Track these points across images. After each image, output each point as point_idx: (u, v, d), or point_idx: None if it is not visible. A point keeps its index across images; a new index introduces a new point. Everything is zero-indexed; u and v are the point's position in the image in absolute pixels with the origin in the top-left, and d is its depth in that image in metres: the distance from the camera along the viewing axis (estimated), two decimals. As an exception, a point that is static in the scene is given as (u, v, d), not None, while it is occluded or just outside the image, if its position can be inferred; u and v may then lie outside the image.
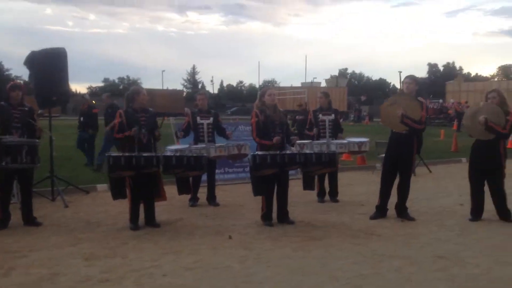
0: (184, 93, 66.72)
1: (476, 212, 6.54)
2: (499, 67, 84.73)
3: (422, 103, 6.56)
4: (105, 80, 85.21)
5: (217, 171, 8.30)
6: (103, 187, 8.64)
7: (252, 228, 6.11)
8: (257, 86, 65.07)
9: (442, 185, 9.66)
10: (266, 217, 6.26)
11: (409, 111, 6.34)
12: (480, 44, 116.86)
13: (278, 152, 5.94)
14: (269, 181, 6.14)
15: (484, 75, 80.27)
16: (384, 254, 5.03)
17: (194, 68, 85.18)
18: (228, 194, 8.55)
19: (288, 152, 6.06)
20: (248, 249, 5.22)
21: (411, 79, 6.63)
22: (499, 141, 6.36)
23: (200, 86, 78.62)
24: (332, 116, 8.01)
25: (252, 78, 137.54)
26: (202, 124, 7.52)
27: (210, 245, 5.35)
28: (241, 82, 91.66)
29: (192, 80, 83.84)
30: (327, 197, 7.99)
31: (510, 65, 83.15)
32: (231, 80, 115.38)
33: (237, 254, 5.04)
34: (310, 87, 44.61)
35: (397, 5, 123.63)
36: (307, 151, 6.12)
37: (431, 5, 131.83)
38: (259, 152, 6.00)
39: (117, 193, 5.86)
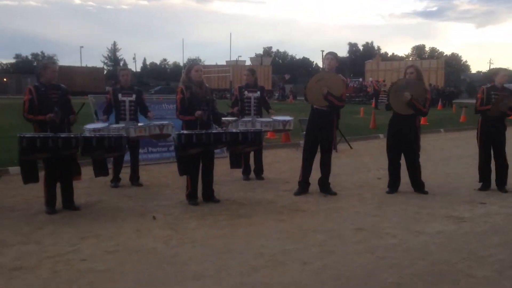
0: (105, 71, 64.25)
1: (393, 185, 6.85)
2: (413, 47, 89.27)
3: (343, 80, 6.73)
4: (17, 56, 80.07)
5: (140, 150, 8.04)
6: (15, 169, 8.09)
7: (177, 208, 6.01)
8: (181, 64, 63.93)
9: (362, 161, 10.04)
10: (191, 196, 6.17)
11: (333, 88, 6.48)
12: (396, 25, 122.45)
13: (203, 131, 5.83)
14: (194, 160, 6.04)
15: (400, 55, 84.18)
16: (308, 228, 5.14)
17: (114, 44, 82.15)
18: (152, 174, 8.35)
19: (214, 131, 5.95)
20: (172, 229, 5.12)
21: (332, 55, 6.77)
22: (416, 117, 6.68)
23: (121, 64, 75.87)
24: (258, 94, 8.00)
25: (176, 56, 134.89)
26: (124, 101, 7.21)
27: (133, 227, 5.18)
28: (164, 60, 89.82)
29: (113, 58, 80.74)
30: (252, 175, 8.02)
31: (423, 45, 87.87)
32: (155, 58, 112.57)
33: (161, 235, 4.92)
34: (235, 66, 44.62)
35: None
36: (233, 130, 6.06)
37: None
38: (184, 131, 5.87)
39: (28, 177, 5.43)
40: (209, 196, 6.29)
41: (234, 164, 6.47)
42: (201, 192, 6.29)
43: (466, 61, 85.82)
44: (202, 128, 5.98)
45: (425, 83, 7.54)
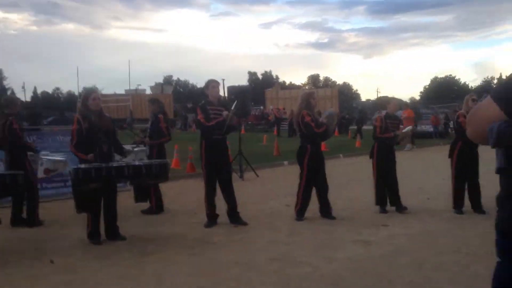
0: (-9, 101, 59.53)
1: (301, 212, 6.91)
2: (308, 77, 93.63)
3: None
4: None
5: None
6: None
7: (78, 249, 5.53)
8: (76, 93, 61.14)
9: (269, 188, 10.09)
10: (93, 235, 5.72)
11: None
12: (291, 55, 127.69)
13: (103, 165, 5.45)
14: (94, 195, 5.63)
15: (297, 84, 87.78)
16: (222, 262, 4.96)
17: (1, 72, 76.63)
18: (49, 211, 7.66)
19: (115, 164, 5.59)
20: (73, 273, 4.67)
21: (216, 82, 6.81)
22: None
23: (9, 93, 70.81)
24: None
25: (70, 85, 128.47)
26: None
27: (28, 273, 4.65)
28: (57, 88, 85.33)
29: None
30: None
31: (317, 74, 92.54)
32: (46, 86, 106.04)
33: (60, 281, 4.46)
34: (135, 95, 43.43)
35: (217, 15, 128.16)
36: (136, 163, 5.75)
37: (248, 17, 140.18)
38: (82, 166, 5.44)
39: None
40: (114, 234, 5.88)
41: (139, 198, 6.15)
42: (104, 229, 5.86)
43: (356, 90, 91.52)
44: (102, 161, 5.60)
45: (320, 110, 7.91)
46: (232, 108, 6.65)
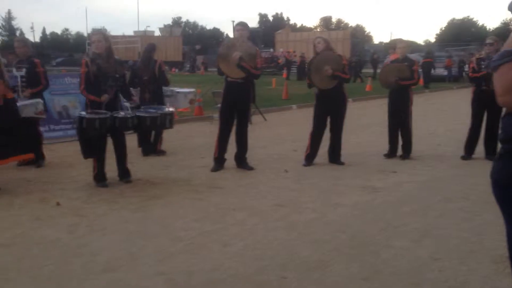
0: (-1, 41, 59.05)
1: (310, 157, 6.83)
2: (320, 18, 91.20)
3: (257, 49, 6.49)
4: None
5: (41, 128, 7.40)
6: None
7: (84, 191, 5.53)
8: (85, 34, 60.27)
9: (276, 133, 10.00)
10: (98, 178, 5.71)
11: (247, 57, 6.23)
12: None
13: (108, 114, 5.34)
14: (99, 140, 5.57)
15: (308, 26, 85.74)
16: (227, 207, 4.94)
17: (9, 13, 75.55)
18: (56, 154, 7.68)
19: (119, 115, 5.47)
20: (79, 215, 4.68)
21: (242, 25, 6.52)
22: (343, 84, 6.69)
23: (18, 33, 70.11)
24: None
25: (79, 26, 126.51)
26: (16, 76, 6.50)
27: (33, 215, 4.68)
28: (66, 29, 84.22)
29: (8, 27, 74.36)
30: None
31: (330, 16, 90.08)
32: (55, 27, 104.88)
33: (66, 223, 4.47)
34: (144, 36, 42.72)
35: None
36: (141, 114, 5.64)
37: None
38: (86, 115, 5.34)
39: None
40: (123, 175, 5.87)
41: (143, 142, 6.10)
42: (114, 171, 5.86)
43: (369, 32, 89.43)
44: (107, 109, 5.49)
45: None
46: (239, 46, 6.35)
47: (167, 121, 5.79)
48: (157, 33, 52.54)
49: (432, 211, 4.71)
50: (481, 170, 6.37)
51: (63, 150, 7.95)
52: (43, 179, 6.09)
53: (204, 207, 4.94)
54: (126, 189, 5.63)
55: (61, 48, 69.01)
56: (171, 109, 6.16)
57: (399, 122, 7.14)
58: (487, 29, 75.99)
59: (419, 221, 4.49)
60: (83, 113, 5.47)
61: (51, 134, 8.74)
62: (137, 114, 5.60)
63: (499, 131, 1.99)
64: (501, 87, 1.76)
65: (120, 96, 5.88)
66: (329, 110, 6.71)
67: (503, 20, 77.29)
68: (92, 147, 5.50)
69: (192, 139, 9.19)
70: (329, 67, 6.44)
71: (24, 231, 4.25)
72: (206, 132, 9.81)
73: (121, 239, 4.07)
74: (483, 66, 6.82)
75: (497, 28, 74.34)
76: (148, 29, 56.87)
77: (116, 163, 5.88)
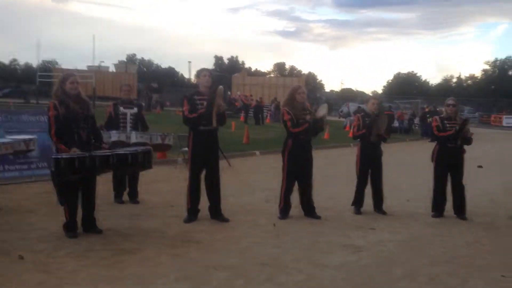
0: None
1: (285, 210, 6.66)
2: (274, 64, 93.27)
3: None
4: None
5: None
6: None
7: (48, 242, 5.08)
8: (34, 65, 58.51)
9: (244, 180, 9.80)
10: (70, 228, 5.28)
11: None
12: (258, 42, 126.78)
13: (86, 154, 4.99)
14: (73, 185, 5.20)
15: (263, 71, 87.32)
16: (208, 264, 4.64)
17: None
18: (11, 196, 7.13)
19: (98, 153, 5.13)
20: (46, 272, 4.25)
21: (208, 71, 6.51)
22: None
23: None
24: (135, 110, 7.37)
25: (28, 57, 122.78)
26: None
27: (-5, 271, 4.20)
28: (14, 60, 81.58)
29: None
30: (126, 197, 7.28)
31: (283, 63, 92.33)
32: (2, 57, 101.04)
33: (31, 281, 4.03)
34: (98, 71, 42.02)
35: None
36: (121, 151, 5.31)
37: (216, 0, 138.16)
38: (64, 155, 4.97)
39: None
40: (91, 226, 5.46)
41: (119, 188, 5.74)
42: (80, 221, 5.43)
43: (321, 80, 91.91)
44: (82, 149, 5.14)
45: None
46: (218, 92, 6.23)
47: (146, 160, 5.48)
48: (112, 68, 51.84)
49: (421, 276, 4.58)
50: (456, 230, 6.43)
51: (19, 193, 7.43)
52: (1, 227, 5.56)
53: (184, 265, 4.62)
54: (95, 241, 5.21)
55: (8, 78, 66.58)
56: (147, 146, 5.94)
57: (372, 174, 7.17)
58: (430, 84, 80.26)
59: (411, 287, 4.36)
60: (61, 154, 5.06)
61: (5, 175, 8.15)
62: (116, 152, 5.27)
63: None
64: None
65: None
66: (300, 164, 6.62)
67: (444, 77, 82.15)
68: (69, 192, 5.10)
69: (158, 185, 8.83)
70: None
71: (-15, 292, 3.79)
72: (172, 177, 9.50)
73: (97, 303, 3.69)
74: (447, 125, 7.02)
75: (438, 84, 78.74)
76: (103, 64, 56.08)
77: (82, 211, 5.46)
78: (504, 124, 41.69)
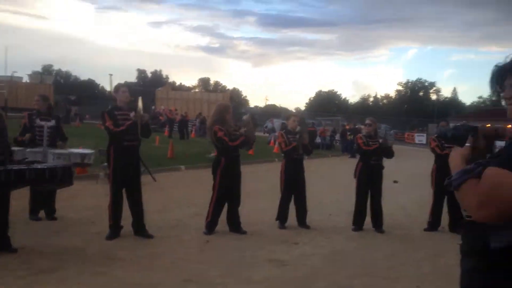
0: None
1: (211, 225, 6.64)
2: (199, 79, 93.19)
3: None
4: None
5: None
6: None
7: (-45, 263, 4.70)
8: None
9: (169, 196, 9.65)
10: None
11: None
12: (182, 56, 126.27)
13: (1, 168, 4.70)
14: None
15: (187, 85, 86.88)
16: (131, 282, 4.52)
17: None
18: None
19: (14, 167, 4.85)
20: (-47, 296, 3.94)
21: (127, 87, 6.49)
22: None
23: None
24: (53, 122, 7.04)
25: None
26: None
27: None
28: None
29: None
30: (42, 214, 6.92)
31: (208, 78, 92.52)
32: None
33: None
34: (11, 82, 39.73)
35: (103, 8, 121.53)
36: (39, 166, 5.04)
37: (137, 14, 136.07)
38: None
39: None
40: (4, 244, 5.12)
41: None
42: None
43: (245, 96, 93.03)
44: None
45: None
46: (139, 104, 6.21)
47: (66, 176, 5.25)
48: (26, 79, 49.24)
49: (342, 288, 4.76)
50: (375, 242, 6.75)
51: None
52: None
53: (106, 283, 4.47)
54: (10, 260, 4.90)
55: None
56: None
57: (296, 189, 7.37)
58: (349, 102, 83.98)
59: (333, 298, 4.50)
60: None
61: None
62: (34, 166, 5.01)
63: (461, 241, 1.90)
64: (470, 205, 1.71)
65: None
66: (230, 180, 6.68)
67: (362, 96, 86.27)
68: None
69: (77, 200, 8.47)
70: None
71: None
72: (92, 193, 9.15)
73: (12, 327, 3.46)
74: (370, 143, 7.41)
75: (357, 102, 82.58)
76: (15, 74, 53.09)
77: None
78: (416, 141, 44.32)
